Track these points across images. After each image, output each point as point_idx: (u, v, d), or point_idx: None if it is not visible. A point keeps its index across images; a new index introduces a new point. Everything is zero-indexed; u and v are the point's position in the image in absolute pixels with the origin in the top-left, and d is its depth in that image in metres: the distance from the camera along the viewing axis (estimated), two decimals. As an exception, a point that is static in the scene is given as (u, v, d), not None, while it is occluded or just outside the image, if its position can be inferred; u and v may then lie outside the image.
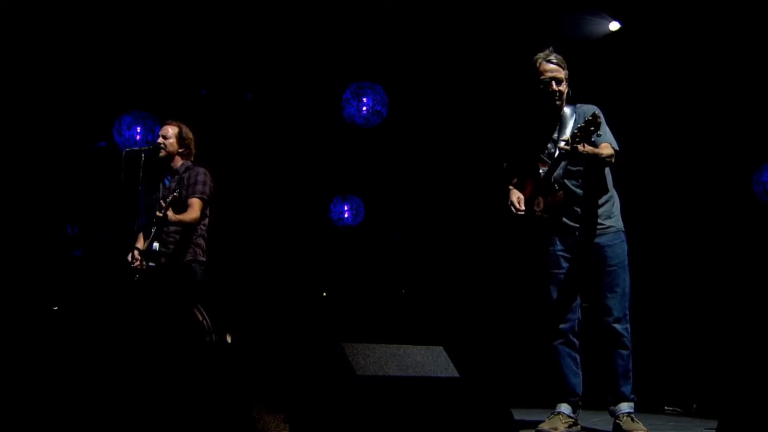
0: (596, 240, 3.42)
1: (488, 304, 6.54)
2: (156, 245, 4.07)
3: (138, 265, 4.04)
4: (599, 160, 3.31)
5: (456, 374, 3.62)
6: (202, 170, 4.23)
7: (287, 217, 7.27)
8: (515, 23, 5.68)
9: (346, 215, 7.52)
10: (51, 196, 6.27)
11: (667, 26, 5.46)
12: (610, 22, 5.70)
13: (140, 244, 4.19)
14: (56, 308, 5.62)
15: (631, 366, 3.38)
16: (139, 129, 6.24)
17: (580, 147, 3.17)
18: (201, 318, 3.39)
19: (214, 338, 3.38)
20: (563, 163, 3.39)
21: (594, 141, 3.25)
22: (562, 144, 3.24)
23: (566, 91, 3.48)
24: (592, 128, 3.12)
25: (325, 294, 6.50)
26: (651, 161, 5.83)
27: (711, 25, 5.32)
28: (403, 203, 7.54)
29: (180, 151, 4.26)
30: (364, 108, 6.08)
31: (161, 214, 3.96)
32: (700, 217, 5.79)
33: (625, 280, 3.41)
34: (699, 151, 5.85)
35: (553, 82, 3.42)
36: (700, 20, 5.31)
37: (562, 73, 3.45)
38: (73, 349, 3.22)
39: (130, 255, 4.08)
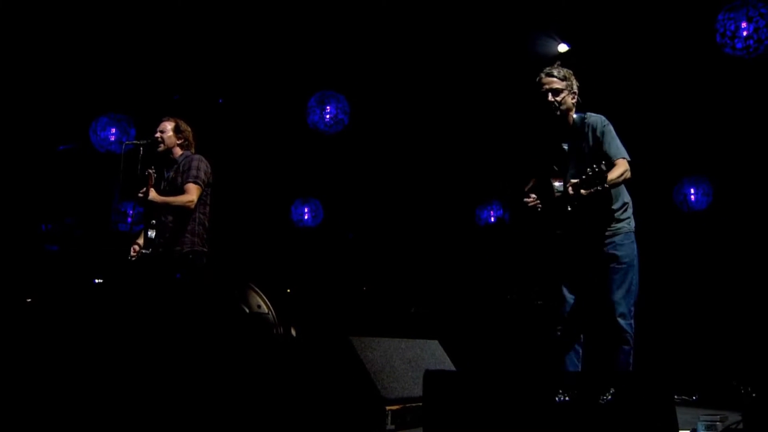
0: (608, 240, 3.48)
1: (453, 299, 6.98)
2: (152, 233, 4.11)
3: (134, 256, 4.12)
4: (610, 187, 3.32)
5: (452, 366, 3.88)
6: (197, 157, 4.27)
7: (252, 217, 7.53)
8: (472, 39, 6.11)
9: (306, 217, 7.91)
10: (26, 194, 6.37)
11: (606, 49, 6.02)
12: (559, 43, 6.21)
13: (141, 239, 4.22)
14: (30, 300, 5.76)
15: (631, 361, 3.40)
16: (113, 130, 6.48)
17: (583, 191, 3.22)
18: (267, 310, 3.40)
19: (281, 331, 3.36)
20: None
21: (605, 151, 3.37)
22: (570, 190, 3.29)
23: (570, 101, 3.51)
24: (597, 181, 3.16)
25: (288, 291, 6.78)
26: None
27: (641, 51, 5.95)
28: (361, 206, 7.94)
29: (179, 142, 4.35)
30: (328, 116, 6.35)
31: (141, 195, 4.01)
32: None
33: (633, 278, 3.45)
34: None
35: (550, 94, 3.47)
36: (630, 43, 5.89)
37: (559, 84, 3.47)
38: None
39: (132, 249, 4.17)
